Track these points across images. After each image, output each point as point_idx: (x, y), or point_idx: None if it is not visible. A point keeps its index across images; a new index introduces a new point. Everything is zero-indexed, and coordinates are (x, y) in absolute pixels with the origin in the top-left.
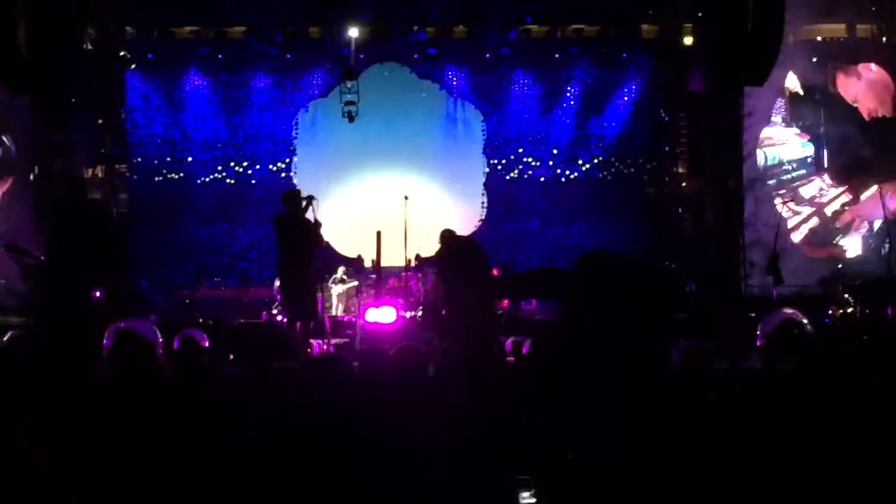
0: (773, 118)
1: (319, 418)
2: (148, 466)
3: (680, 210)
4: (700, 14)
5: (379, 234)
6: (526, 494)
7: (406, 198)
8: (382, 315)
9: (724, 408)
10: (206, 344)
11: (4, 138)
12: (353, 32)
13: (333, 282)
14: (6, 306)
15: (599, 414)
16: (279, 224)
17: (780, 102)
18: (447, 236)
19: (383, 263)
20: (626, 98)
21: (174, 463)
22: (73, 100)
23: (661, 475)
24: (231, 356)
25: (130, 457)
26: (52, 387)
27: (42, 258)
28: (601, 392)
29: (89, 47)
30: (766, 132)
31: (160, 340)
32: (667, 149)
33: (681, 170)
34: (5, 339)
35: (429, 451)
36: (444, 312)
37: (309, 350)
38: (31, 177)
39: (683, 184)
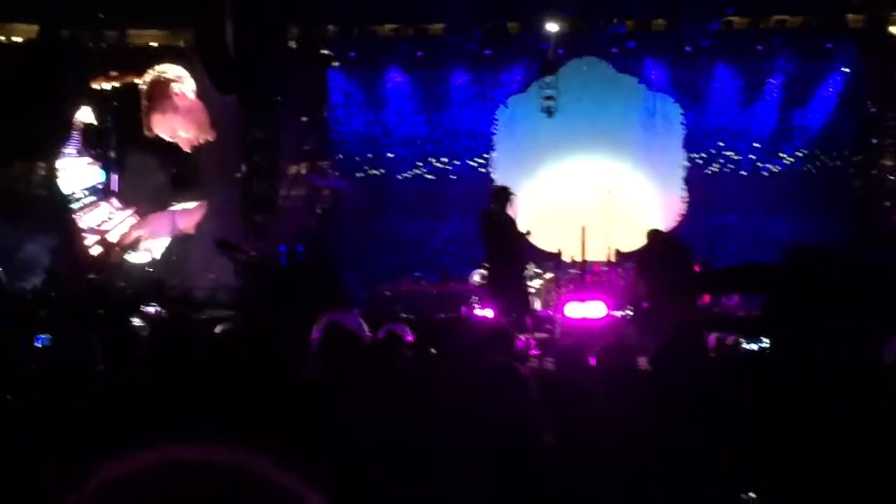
0: None
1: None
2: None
3: (888, 204)
4: None
5: (584, 228)
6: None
7: (609, 192)
8: (589, 310)
9: None
10: (410, 338)
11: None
12: (552, 27)
13: (529, 277)
14: (218, 300)
15: (813, 415)
16: (485, 220)
17: None
18: (654, 236)
19: (587, 259)
20: (830, 90)
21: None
22: (278, 98)
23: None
24: (433, 350)
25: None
26: (263, 381)
27: (253, 253)
28: (814, 390)
29: (293, 46)
30: None
31: (368, 334)
32: (874, 141)
33: (888, 162)
34: (217, 330)
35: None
36: (643, 307)
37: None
38: (238, 174)
39: (891, 177)
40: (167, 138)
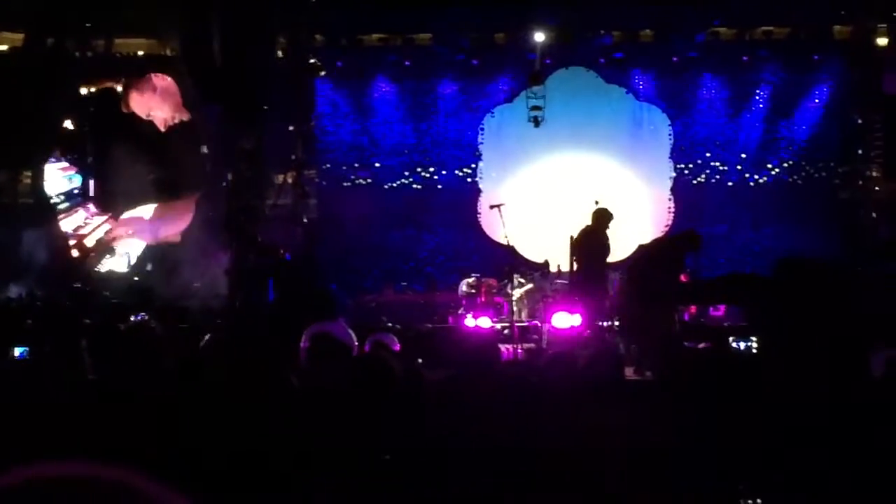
0: None
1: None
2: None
3: (874, 214)
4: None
5: (572, 238)
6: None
7: (597, 202)
8: (575, 320)
9: None
10: (397, 348)
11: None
12: (539, 38)
13: (512, 287)
14: (204, 310)
15: (800, 422)
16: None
17: None
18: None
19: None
20: (817, 101)
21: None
22: (265, 107)
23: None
24: (420, 360)
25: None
26: (250, 392)
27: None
28: (801, 399)
29: (280, 56)
30: None
31: (355, 344)
32: (860, 152)
33: (875, 173)
34: (204, 339)
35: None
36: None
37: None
38: (224, 183)
39: (877, 188)
40: (143, 116)
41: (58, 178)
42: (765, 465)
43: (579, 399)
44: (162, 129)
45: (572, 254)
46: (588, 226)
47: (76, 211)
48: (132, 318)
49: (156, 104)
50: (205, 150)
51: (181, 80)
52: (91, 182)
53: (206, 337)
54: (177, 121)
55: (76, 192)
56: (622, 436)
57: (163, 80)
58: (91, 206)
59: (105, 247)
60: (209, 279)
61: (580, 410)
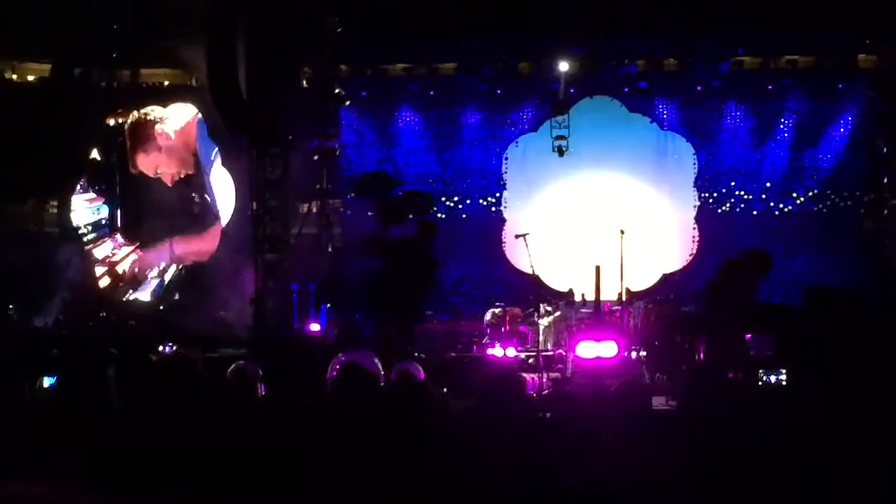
0: None
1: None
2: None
3: None
4: None
5: (598, 268)
6: None
7: (622, 232)
8: (602, 350)
9: None
10: (422, 377)
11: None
12: (563, 67)
13: (539, 315)
14: (231, 339)
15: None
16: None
17: None
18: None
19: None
20: (842, 130)
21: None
22: (290, 137)
23: None
24: (445, 389)
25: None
26: (278, 421)
27: None
28: (831, 427)
29: (305, 86)
30: None
31: (382, 373)
32: (885, 181)
33: None
34: (231, 369)
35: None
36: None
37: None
38: (249, 213)
39: None
40: (150, 175)
41: (85, 208)
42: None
43: (605, 432)
44: (169, 184)
45: None
46: None
47: (104, 241)
48: (160, 349)
49: (162, 163)
50: (208, 198)
51: (207, 110)
52: (118, 213)
53: (232, 367)
54: (182, 175)
55: (104, 222)
56: (646, 468)
57: (167, 140)
58: (119, 237)
59: (134, 277)
60: (235, 308)
61: (606, 444)
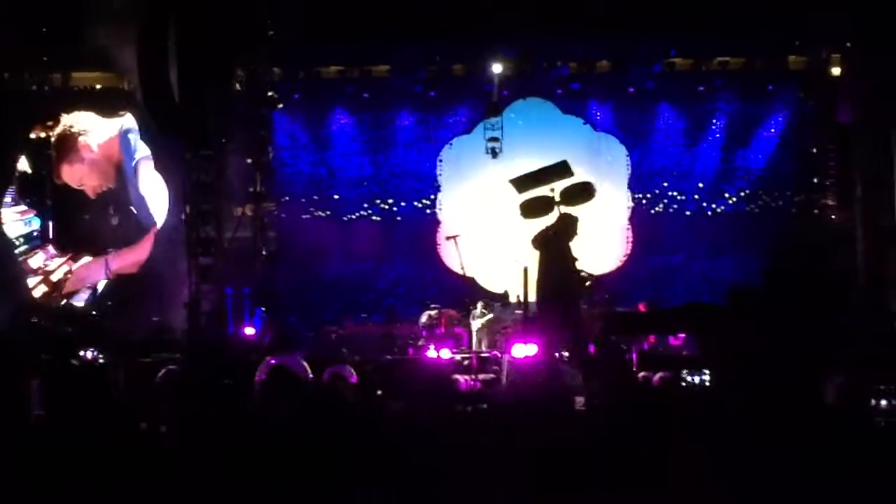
0: None
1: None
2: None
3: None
4: (849, 44)
5: (526, 269)
6: None
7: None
8: (528, 350)
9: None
10: (354, 380)
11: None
12: (497, 69)
13: (473, 317)
14: (163, 343)
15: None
16: None
17: None
18: None
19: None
20: (772, 130)
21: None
22: (223, 140)
23: None
24: (379, 392)
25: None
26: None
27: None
28: (755, 427)
29: (238, 89)
30: None
31: (310, 377)
32: (815, 181)
33: (830, 202)
34: (161, 373)
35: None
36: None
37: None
38: (182, 216)
39: (833, 217)
40: (74, 186)
41: (16, 220)
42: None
43: (525, 427)
44: (92, 196)
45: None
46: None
47: (35, 253)
48: (81, 353)
49: (85, 175)
50: (133, 210)
51: (139, 113)
52: (50, 224)
53: (162, 371)
54: (105, 188)
55: (35, 234)
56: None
57: (90, 152)
58: (50, 248)
59: (67, 286)
60: (170, 312)
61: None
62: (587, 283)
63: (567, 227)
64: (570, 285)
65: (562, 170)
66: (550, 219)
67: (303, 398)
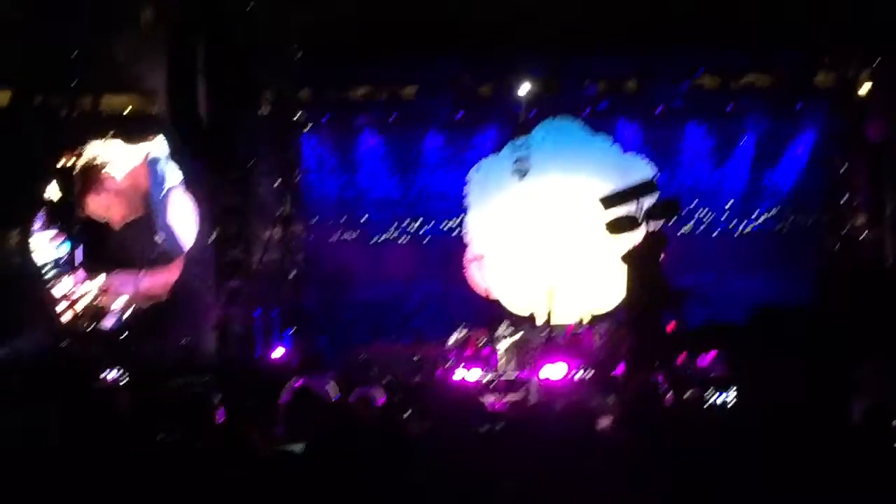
0: None
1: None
2: None
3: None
4: (878, 61)
5: (552, 290)
6: None
7: (583, 253)
8: (555, 372)
9: None
10: (382, 401)
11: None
12: (524, 89)
13: (498, 337)
14: (191, 366)
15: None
16: None
17: None
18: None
19: (559, 321)
20: (801, 149)
21: None
22: (251, 163)
23: None
24: (407, 413)
25: None
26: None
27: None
28: (781, 448)
29: (266, 111)
30: None
31: (337, 398)
32: (845, 199)
33: (859, 221)
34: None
35: None
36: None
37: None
38: (209, 240)
39: (862, 235)
40: (100, 217)
41: (47, 246)
42: None
43: (546, 454)
44: (117, 228)
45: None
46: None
47: (64, 278)
48: (101, 377)
49: (112, 206)
50: (159, 239)
51: (170, 136)
52: (79, 250)
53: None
54: (131, 219)
55: (64, 259)
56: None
57: (114, 183)
58: (80, 273)
59: (96, 309)
60: (198, 335)
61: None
62: (676, 300)
63: (654, 244)
64: (656, 303)
65: (648, 187)
66: (635, 236)
67: (322, 420)
